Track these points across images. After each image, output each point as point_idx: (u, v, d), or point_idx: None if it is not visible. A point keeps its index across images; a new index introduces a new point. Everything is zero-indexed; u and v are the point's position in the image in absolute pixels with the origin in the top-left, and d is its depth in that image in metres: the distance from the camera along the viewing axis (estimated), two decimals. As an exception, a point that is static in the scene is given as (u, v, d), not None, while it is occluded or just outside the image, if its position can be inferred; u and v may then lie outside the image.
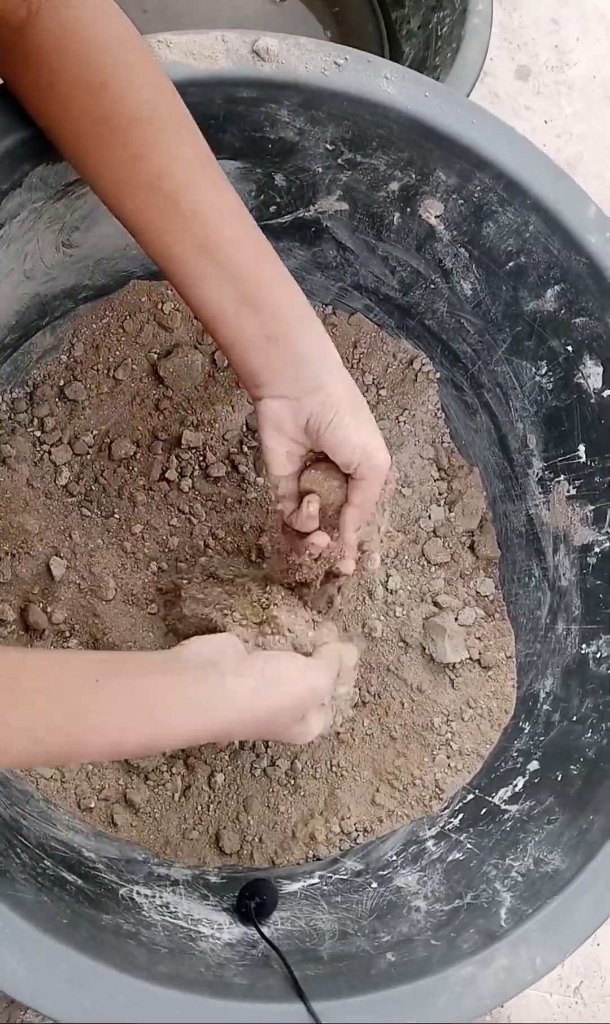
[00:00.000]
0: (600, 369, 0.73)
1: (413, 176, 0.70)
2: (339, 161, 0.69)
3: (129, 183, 0.54)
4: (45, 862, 0.57)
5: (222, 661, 0.54)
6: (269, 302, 0.56)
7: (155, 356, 0.79)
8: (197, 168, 0.55)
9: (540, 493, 0.81)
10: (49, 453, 0.76)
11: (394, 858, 0.72)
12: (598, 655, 0.75)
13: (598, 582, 0.76)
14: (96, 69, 0.52)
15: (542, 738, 0.75)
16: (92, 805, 0.70)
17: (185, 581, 0.74)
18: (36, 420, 0.76)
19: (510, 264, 0.73)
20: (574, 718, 0.74)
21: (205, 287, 0.56)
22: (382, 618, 0.79)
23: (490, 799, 0.74)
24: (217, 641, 0.57)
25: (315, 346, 0.58)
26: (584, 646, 0.76)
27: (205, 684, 0.53)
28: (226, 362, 0.80)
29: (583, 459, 0.77)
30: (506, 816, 0.71)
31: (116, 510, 0.76)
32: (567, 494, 0.79)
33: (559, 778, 0.71)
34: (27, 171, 0.58)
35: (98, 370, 0.78)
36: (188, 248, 0.55)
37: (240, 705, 0.53)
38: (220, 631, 0.61)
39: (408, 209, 0.73)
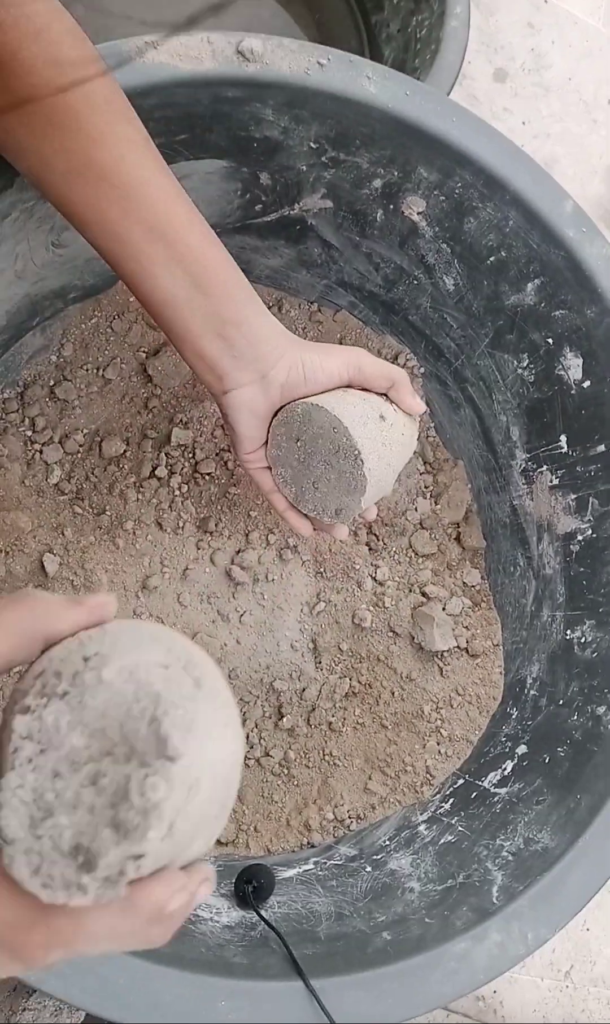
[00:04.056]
0: (580, 361, 0.75)
1: (395, 173, 0.72)
2: (323, 159, 0.71)
3: (81, 172, 0.52)
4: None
5: None
6: (219, 285, 0.56)
7: (144, 355, 0.80)
8: (146, 151, 0.54)
9: (523, 484, 0.83)
10: (40, 452, 0.77)
11: (387, 843, 0.73)
12: (582, 640, 0.76)
13: (581, 569, 0.78)
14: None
15: (530, 722, 0.76)
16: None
17: None
18: (27, 420, 0.77)
19: (491, 259, 0.75)
20: (560, 702, 0.75)
21: (156, 272, 0.55)
22: (371, 609, 0.80)
23: (480, 783, 0.75)
24: None
25: (267, 326, 0.58)
26: (569, 632, 0.78)
27: None
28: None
29: (565, 449, 0.78)
30: (496, 799, 0.72)
31: (107, 507, 0.77)
32: (550, 484, 0.80)
33: (547, 760, 0.72)
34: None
35: (88, 370, 0.79)
36: (139, 231, 0.54)
37: None
38: None
39: (391, 206, 0.74)
